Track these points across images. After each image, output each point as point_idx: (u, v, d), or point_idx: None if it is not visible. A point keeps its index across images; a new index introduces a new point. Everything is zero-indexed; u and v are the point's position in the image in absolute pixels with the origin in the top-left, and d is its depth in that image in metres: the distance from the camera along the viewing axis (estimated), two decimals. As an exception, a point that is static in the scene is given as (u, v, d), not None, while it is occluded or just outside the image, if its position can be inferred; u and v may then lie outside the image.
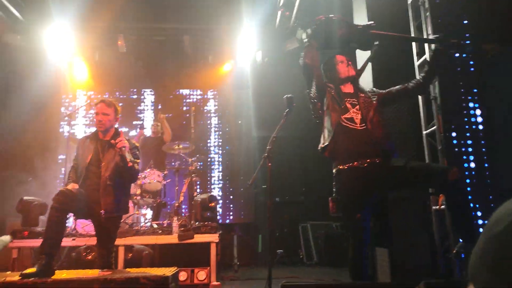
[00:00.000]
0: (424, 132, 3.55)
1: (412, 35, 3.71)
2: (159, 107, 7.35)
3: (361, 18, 4.10)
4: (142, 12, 6.16)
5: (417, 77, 3.10)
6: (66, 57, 6.72)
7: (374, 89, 2.77)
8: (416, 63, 3.66)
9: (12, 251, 4.27)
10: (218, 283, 4.15)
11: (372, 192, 2.49)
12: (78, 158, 3.18)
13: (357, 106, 2.53)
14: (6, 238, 4.03)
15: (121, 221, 4.61)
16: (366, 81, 3.41)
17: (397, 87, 2.68)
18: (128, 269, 3.34)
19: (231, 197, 7.06)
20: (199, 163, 5.36)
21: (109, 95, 7.17)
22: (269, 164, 2.90)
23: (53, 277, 2.49)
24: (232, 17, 6.17)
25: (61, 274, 2.58)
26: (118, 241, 4.23)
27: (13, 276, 2.45)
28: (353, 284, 2.44)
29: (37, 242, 4.03)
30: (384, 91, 2.71)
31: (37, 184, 5.99)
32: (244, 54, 6.81)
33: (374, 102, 2.58)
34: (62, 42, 6.22)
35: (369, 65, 2.96)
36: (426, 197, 3.42)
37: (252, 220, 6.83)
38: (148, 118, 7.31)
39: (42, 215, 4.60)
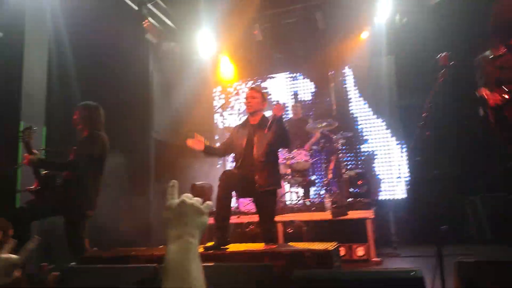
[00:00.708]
0: None
1: None
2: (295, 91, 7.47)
3: None
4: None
5: None
6: (213, 56, 7.41)
7: None
8: None
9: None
10: (379, 259, 4.04)
11: None
12: (233, 144, 3.51)
13: None
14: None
15: (276, 198, 4.92)
16: None
17: None
18: (290, 243, 3.52)
19: (385, 171, 6.71)
20: (341, 141, 5.26)
21: (253, 84, 7.64)
22: (427, 133, 2.63)
23: (228, 249, 2.81)
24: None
25: (233, 247, 2.89)
26: (276, 218, 4.54)
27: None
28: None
29: (211, 220, 4.63)
30: None
31: (201, 170, 6.79)
32: (381, 19, 6.33)
33: None
34: (209, 43, 6.95)
35: None
36: None
37: (408, 196, 6.39)
38: (288, 101, 7.51)
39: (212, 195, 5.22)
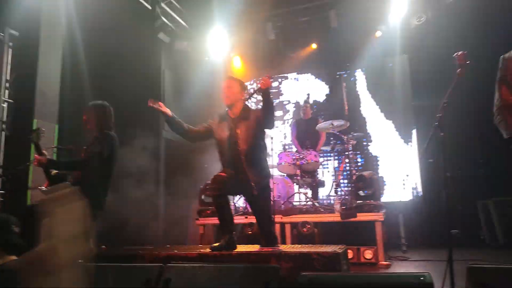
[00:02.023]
0: None
1: None
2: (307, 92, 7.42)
3: None
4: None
5: None
6: (224, 55, 7.41)
7: None
8: None
9: (199, 228, 5.03)
10: (388, 262, 3.99)
11: None
12: (216, 139, 3.24)
13: None
14: None
15: (285, 200, 4.89)
16: None
17: None
18: (298, 245, 3.51)
19: (396, 173, 6.63)
20: (352, 141, 5.20)
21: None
22: (441, 133, 2.58)
23: (236, 250, 2.81)
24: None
25: (240, 248, 2.88)
26: (284, 219, 4.53)
27: (205, 249, 2.85)
28: None
29: (217, 220, 4.65)
30: None
31: (211, 169, 6.80)
32: (395, 17, 6.25)
33: None
34: (221, 42, 6.96)
35: None
36: None
37: (419, 198, 6.30)
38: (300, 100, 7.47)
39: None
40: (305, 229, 4.36)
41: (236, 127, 3.08)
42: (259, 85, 2.97)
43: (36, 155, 3.14)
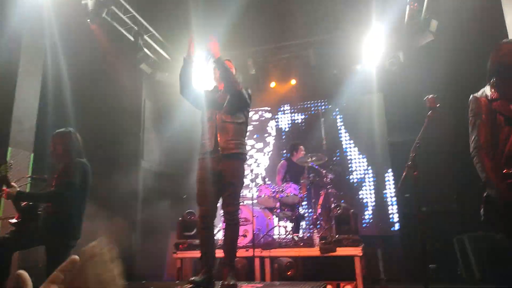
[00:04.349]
0: None
1: None
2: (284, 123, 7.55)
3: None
4: (267, 35, 6.57)
5: None
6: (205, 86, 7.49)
7: None
8: None
9: (176, 262, 4.89)
10: (367, 298, 3.97)
11: None
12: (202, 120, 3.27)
13: None
14: None
15: (264, 234, 4.84)
16: None
17: None
18: (277, 282, 3.45)
19: (373, 208, 6.73)
20: (330, 175, 5.27)
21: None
22: (415, 173, 2.66)
23: (214, 286, 2.74)
24: (358, 21, 6.05)
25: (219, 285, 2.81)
26: (263, 253, 4.47)
27: (182, 285, 2.77)
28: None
29: (195, 254, 4.54)
30: None
31: (188, 201, 6.70)
32: (371, 57, 6.55)
33: None
34: (201, 75, 7.01)
35: None
36: None
37: (396, 233, 6.37)
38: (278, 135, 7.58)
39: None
40: (289, 272, 4.30)
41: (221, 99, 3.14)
42: (211, 53, 3.04)
43: (4, 188, 3.04)
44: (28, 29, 4.79)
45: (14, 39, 4.63)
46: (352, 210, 4.69)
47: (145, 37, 6.66)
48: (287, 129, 7.66)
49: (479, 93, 2.31)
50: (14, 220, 3.15)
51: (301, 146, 5.91)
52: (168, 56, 7.22)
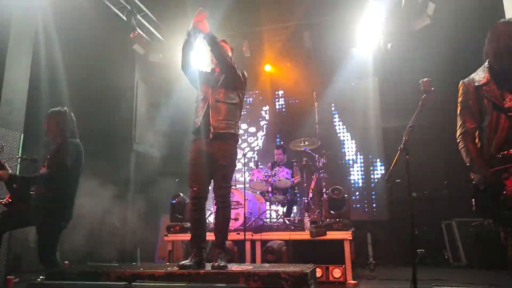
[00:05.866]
0: None
1: None
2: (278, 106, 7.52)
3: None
4: (264, 15, 6.47)
5: None
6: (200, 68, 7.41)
7: None
8: None
9: (168, 244, 4.92)
10: (355, 281, 4.03)
11: None
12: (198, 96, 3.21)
13: None
14: None
15: (256, 217, 4.88)
16: None
17: None
18: (267, 264, 3.49)
19: (364, 193, 6.79)
20: (323, 160, 5.28)
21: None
22: (408, 156, 2.67)
23: (204, 269, 2.76)
24: (355, 4, 5.98)
25: (209, 266, 2.84)
26: (254, 236, 4.51)
27: (173, 267, 2.79)
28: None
29: (186, 236, 4.57)
30: None
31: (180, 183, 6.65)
32: (366, 42, 6.49)
33: None
34: (196, 56, 6.91)
35: None
36: None
37: (386, 217, 6.45)
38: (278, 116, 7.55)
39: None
40: (269, 256, 4.34)
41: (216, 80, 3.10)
42: (199, 28, 2.98)
43: None
44: (18, 7, 4.67)
45: (3, 17, 4.52)
46: (345, 195, 4.72)
47: (138, 16, 6.53)
48: (281, 113, 7.63)
49: (468, 79, 2.31)
50: (5, 201, 3.14)
51: (278, 150, 5.85)
52: (162, 37, 7.09)
